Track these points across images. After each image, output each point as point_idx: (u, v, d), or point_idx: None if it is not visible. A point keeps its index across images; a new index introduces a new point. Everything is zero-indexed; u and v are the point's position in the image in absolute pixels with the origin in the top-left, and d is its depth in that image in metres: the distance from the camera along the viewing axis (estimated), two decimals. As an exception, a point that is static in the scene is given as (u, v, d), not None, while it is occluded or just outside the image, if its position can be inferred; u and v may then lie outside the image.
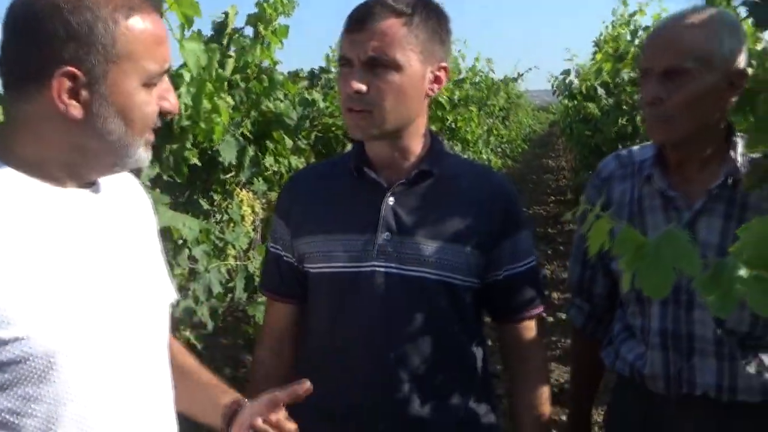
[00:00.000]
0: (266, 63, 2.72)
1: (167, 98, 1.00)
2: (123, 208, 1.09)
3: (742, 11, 1.42)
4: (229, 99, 2.23)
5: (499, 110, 12.34)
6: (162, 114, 1.01)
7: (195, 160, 2.16)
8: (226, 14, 2.50)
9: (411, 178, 1.36)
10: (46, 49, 0.90)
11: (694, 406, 1.42)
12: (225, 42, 2.39)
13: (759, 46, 2.03)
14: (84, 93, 0.92)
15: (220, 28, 2.47)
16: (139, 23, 0.94)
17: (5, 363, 0.85)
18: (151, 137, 1.01)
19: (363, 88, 1.25)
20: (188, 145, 2.07)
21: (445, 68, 1.35)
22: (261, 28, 2.60)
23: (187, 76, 1.93)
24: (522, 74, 12.79)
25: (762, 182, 1.23)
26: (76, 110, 0.92)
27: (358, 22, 1.26)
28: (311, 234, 1.39)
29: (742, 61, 1.35)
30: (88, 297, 0.94)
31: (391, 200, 1.35)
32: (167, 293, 1.15)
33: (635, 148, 1.59)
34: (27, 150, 0.95)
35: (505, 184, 1.46)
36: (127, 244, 1.05)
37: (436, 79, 1.34)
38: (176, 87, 1.93)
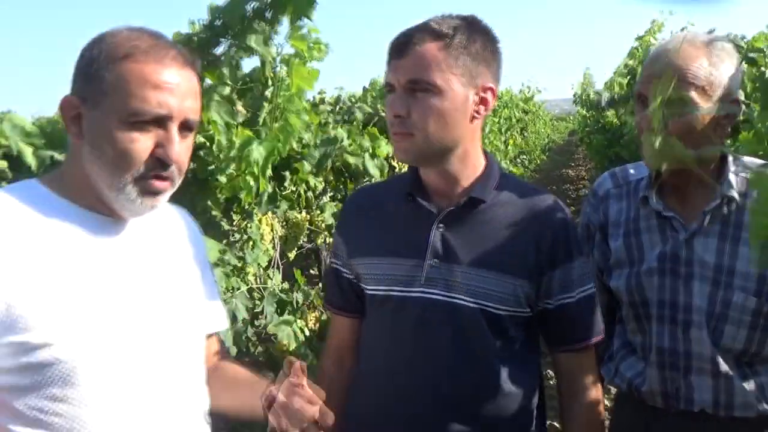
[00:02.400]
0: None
1: (165, 146, 1.06)
2: (159, 238, 1.19)
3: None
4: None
5: (516, 121, 12.34)
6: (161, 162, 1.07)
7: (216, 212, 2.19)
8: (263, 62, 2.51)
9: (460, 206, 1.36)
10: (72, 79, 1.08)
11: (693, 421, 1.46)
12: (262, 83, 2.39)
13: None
14: (84, 120, 1.06)
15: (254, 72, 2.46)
16: (135, 66, 1.05)
17: (36, 366, 0.97)
18: (149, 182, 1.07)
19: (402, 112, 1.27)
20: (213, 197, 2.11)
21: (491, 90, 1.33)
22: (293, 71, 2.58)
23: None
24: (540, 90, 12.84)
25: None
26: (76, 134, 1.07)
27: (398, 49, 1.29)
28: (364, 256, 1.43)
29: (737, 88, 1.38)
30: (107, 313, 1.04)
31: (440, 227, 1.36)
32: (203, 321, 1.24)
33: (629, 166, 1.61)
34: (62, 172, 1.12)
35: (558, 210, 1.40)
36: (156, 271, 1.14)
37: (482, 101, 1.32)
38: (247, 143, 1.99)
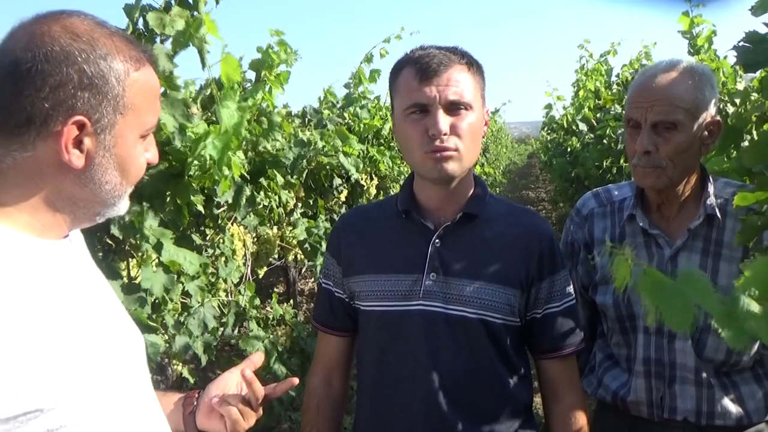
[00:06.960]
0: (265, 104, 2.76)
1: (150, 150, 1.01)
2: (86, 257, 1.06)
3: (731, 56, 1.48)
4: (241, 154, 2.23)
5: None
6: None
7: (200, 207, 2.17)
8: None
9: (456, 222, 1.42)
10: (58, 96, 0.87)
11: (676, 430, 1.51)
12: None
13: (740, 86, 2.11)
14: (88, 142, 0.90)
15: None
16: (144, 76, 0.96)
17: None
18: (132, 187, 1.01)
19: (446, 129, 1.32)
20: (194, 191, 2.09)
21: (488, 112, 1.45)
22: (264, 73, 2.64)
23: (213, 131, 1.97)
24: (498, 109, 13.11)
25: (753, 238, 1.31)
26: (78, 160, 0.90)
27: (430, 71, 1.33)
28: (361, 273, 1.47)
29: (715, 110, 1.45)
30: (88, 354, 0.91)
31: (437, 242, 1.41)
32: (137, 334, 1.11)
33: (612, 186, 1.68)
34: (10, 200, 0.90)
35: (544, 225, 1.49)
36: (98, 294, 1.02)
37: (485, 122, 1.43)
38: (203, 138, 1.95)
